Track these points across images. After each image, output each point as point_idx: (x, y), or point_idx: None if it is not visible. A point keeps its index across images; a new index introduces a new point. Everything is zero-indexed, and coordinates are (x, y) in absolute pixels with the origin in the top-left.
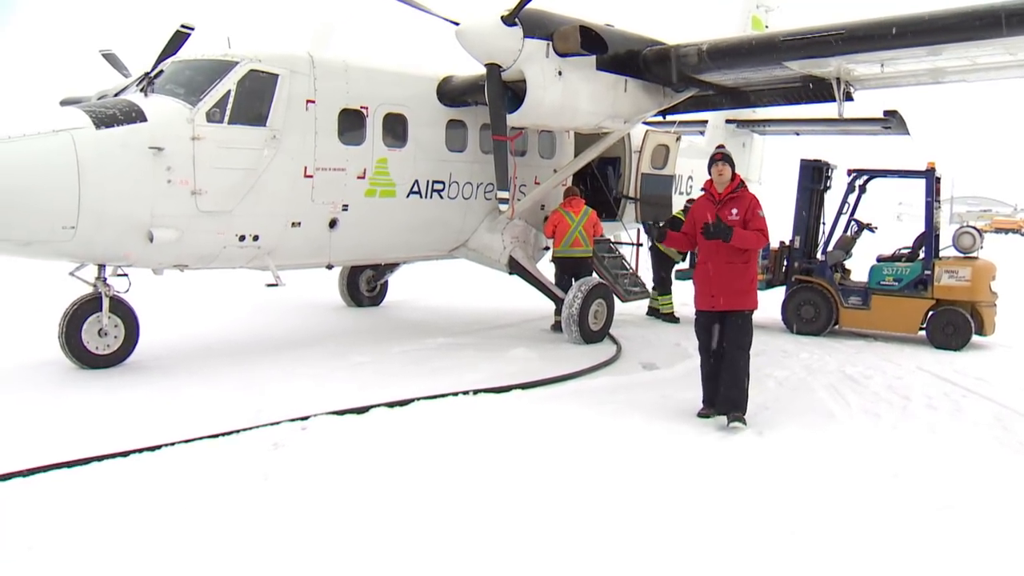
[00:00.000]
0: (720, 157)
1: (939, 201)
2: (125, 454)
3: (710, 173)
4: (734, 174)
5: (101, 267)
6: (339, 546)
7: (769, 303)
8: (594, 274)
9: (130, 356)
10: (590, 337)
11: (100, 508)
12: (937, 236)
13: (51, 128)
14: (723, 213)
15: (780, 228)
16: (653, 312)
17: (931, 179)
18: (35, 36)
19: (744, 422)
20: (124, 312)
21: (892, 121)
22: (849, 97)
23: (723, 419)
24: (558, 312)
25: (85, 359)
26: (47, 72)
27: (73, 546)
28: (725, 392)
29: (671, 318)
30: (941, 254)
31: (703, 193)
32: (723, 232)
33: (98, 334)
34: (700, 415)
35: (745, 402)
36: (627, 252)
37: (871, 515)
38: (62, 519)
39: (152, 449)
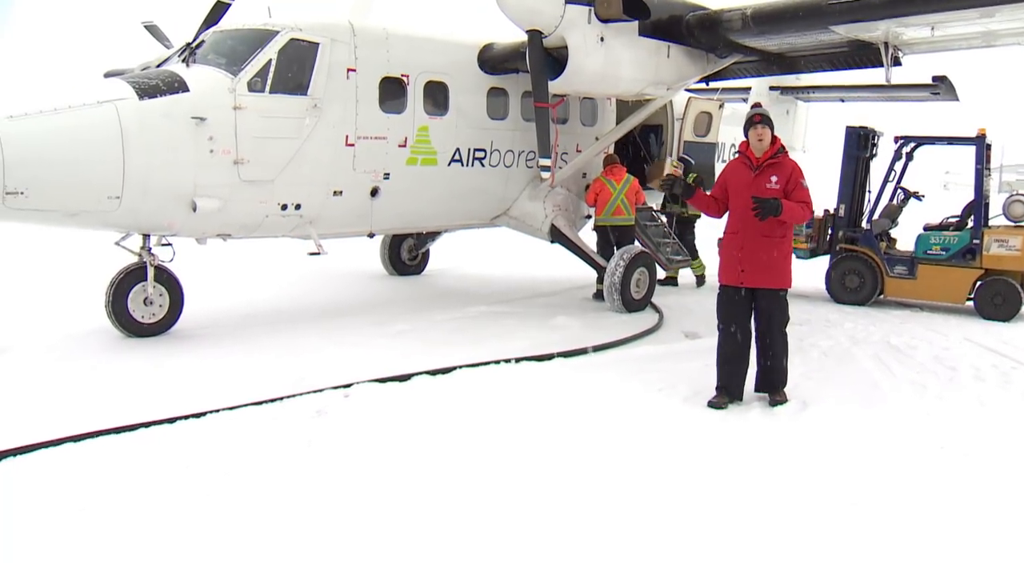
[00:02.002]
0: (759, 119)
1: (989, 169)
2: (171, 420)
3: (746, 136)
4: (774, 137)
5: (146, 237)
6: (381, 512)
7: (813, 272)
8: (636, 242)
9: (175, 325)
10: (632, 306)
11: (148, 473)
12: (987, 204)
13: (95, 99)
14: (761, 180)
15: (825, 196)
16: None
17: (981, 146)
18: (78, 8)
19: (786, 399)
20: (169, 281)
21: (941, 87)
22: (897, 62)
23: (744, 399)
24: (600, 280)
25: (131, 328)
26: (89, 44)
27: (122, 508)
28: (764, 376)
29: (673, 282)
30: (990, 223)
31: (738, 155)
32: (773, 208)
33: (144, 303)
34: (711, 404)
35: (785, 380)
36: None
37: (917, 487)
38: (112, 483)
39: (197, 416)
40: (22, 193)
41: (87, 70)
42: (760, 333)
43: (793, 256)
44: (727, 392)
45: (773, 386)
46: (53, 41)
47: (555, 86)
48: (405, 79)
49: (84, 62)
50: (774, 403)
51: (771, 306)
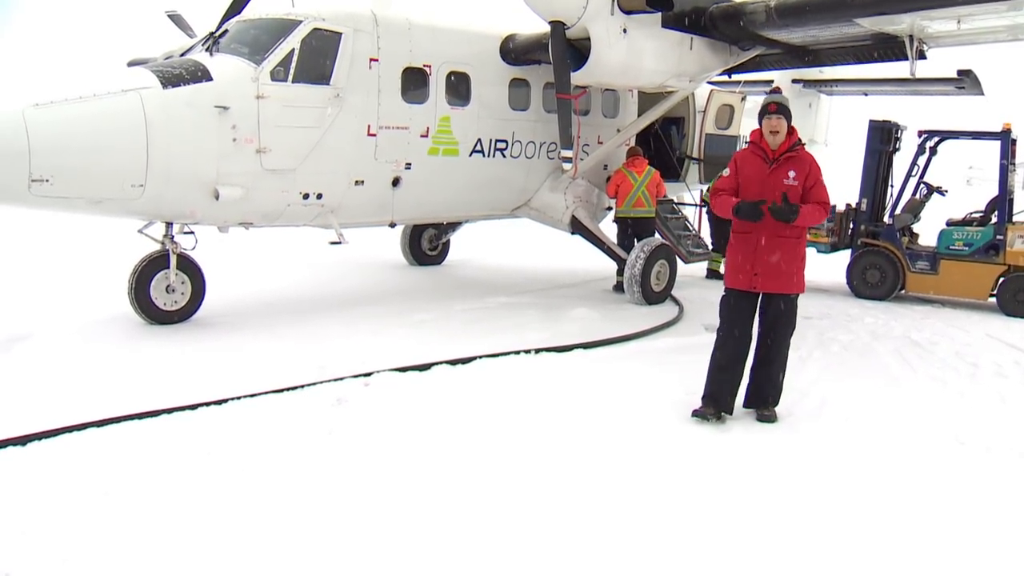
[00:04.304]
0: (775, 109)
1: (1014, 164)
2: (193, 407)
3: (761, 125)
4: (791, 128)
5: (169, 225)
6: (400, 501)
7: (834, 266)
8: (657, 234)
9: (197, 312)
10: (652, 298)
11: (170, 458)
12: (1011, 200)
13: (120, 88)
14: (778, 175)
15: (847, 190)
16: (713, 274)
17: (1006, 141)
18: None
19: (776, 418)
20: (191, 269)
21: (966, 81)
22: (922, 56)
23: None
24: (620, 272)
25: (153, 315)
26: (93, 38)
27: (145, 493)
28: (758, 386)
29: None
30: (1014, 218)
31: (749, 144)
32: (792, 213)
33: (166, 290)
34: (696, 415)
35: (779, 396)
36: (690, 213)
37: (937, 482)
38: (134, 467)
39: (219, 403)
40: (47, 180)
41: (92, 63)
42: (762, 339)
43: (810, 253)
44: (714, 403)
45: (764, 400)
46: (55, 35)
47: (577, 77)
48: (427, 69)
49: (87, 56)
50: (762, 419)
51: (780, 312)
